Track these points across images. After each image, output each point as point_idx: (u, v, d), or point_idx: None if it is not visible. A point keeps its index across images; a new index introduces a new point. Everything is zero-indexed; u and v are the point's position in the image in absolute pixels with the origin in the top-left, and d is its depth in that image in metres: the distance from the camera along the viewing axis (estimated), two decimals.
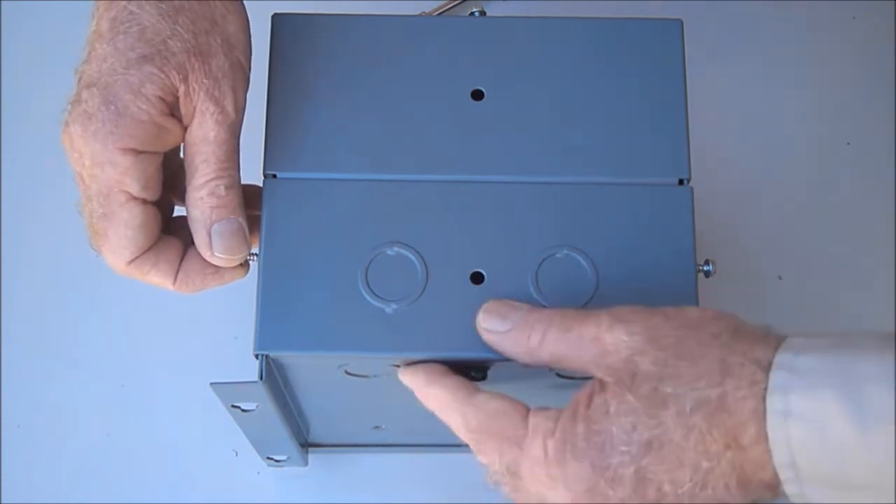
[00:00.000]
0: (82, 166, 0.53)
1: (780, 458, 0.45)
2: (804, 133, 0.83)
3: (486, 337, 0.53)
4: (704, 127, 0.64)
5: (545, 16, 0.60)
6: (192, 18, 0.53)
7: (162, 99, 0.52)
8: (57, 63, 0.83)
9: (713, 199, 0.72)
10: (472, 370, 0.55)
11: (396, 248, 0.55)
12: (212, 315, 0.75)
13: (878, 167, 0.82)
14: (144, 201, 0.54)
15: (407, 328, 0.54)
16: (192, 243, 0.56)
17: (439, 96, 0.58)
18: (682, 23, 0.60)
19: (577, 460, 0.48)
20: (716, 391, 0.46)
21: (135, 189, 0.53)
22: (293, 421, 0.65)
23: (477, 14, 0.62)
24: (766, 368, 0.46)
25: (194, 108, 0.53)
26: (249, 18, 0.57)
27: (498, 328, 0.52)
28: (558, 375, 0.55)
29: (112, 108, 0.52)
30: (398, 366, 0.55)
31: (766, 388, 0.45)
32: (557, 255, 0.55)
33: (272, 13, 0.60)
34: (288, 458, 0.70)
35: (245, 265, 0.57)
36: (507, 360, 0.53)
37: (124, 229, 0.54)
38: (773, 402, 0.45)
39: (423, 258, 0.55)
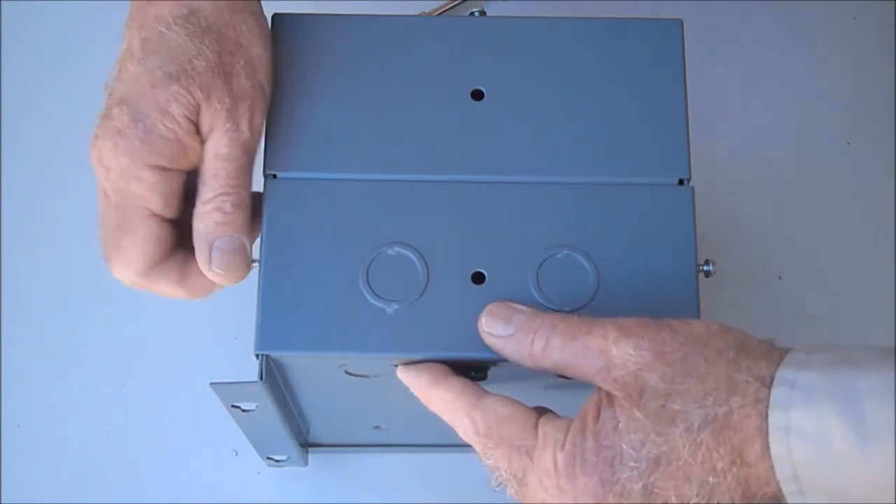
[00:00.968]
0: (108, 180, 0.54)
1: (782, 472, 0.46)
2: (804, 133, 0.83)
3: (489, 341, 0.53)
4: (704, 127, 0.64)
5: (545, 16, 0.60)
6: (218, 39, 0.54)
7: (188, 118, 0.53)
8: (57, 63, 0.84)
9: (713, 199, 0.72)
10: (472, 370, 0.55)
11: (397, 248, 0.55)
12: (212, 315, 0.75)
13: (878, 167, 0.82)
14: (163, 218, 0.55)
15: (408, 328, 0.54)
16: None
17: (439, 96, 0.58)
18: (682, 23, 0.60)
19: (587, 475, 0.49)
20: (723, 409, 0.47)
21: (157, 206, 0.54)
22: (293, 421, 0.65)
23: (477, 14, 0.62)
24: (769, 385, 0.46)
25: (212, 126, 0.54)
26: None
27: (501, 332, 0.53)
28: (558, 376, 0.55)
29: (140, 125, 0.53)
30: (398, 365, 0.55)
31: (768, 406, 0.46)
32: (558, 255, 0.55)
33: (272, 13, 0.60)
34: (288, 458, 0.70)
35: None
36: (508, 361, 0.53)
37: (141, 243, 0.54)
38: (775, 418, 0.46)
39: (423, 258, 0.55)
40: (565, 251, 0.55)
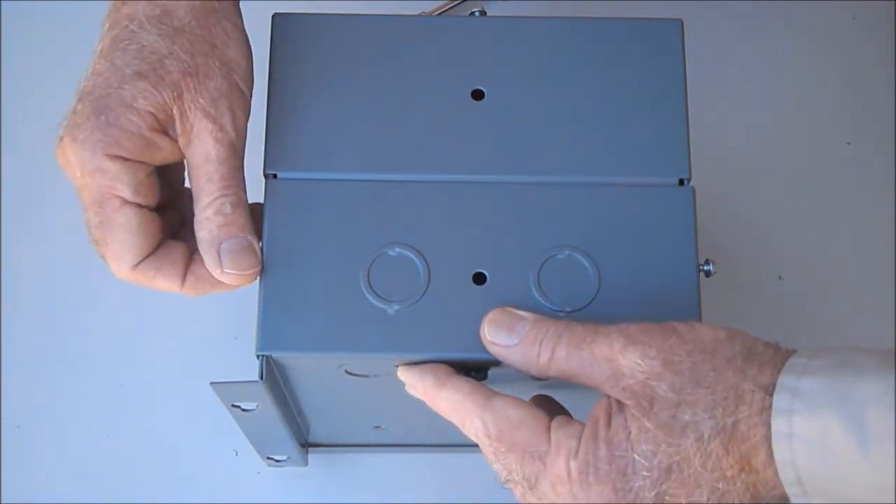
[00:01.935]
0: (74, 178, 0.54)
1: (786, 477, 0.47)
2: (804, 133, 0.83)
3: (492, 350, 0.53)
4: (704, 127, 0.64)
5: (545, 16, 0.60)
6: (192, 40, 0.54)
7: (153, 115, 0.53)
8: (57, 63, 0.84)
9: (713, 198, 0.72)
10: (472, 370, 0.55)
11: (398, 249, 0.55)
12: (212, 315, 0.75)
13: (878, 167, 0.82)
14: (139, 205, 0.54)
15: (409, 329, 0.54)
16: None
17: (439, 96, 0.58)
18: (682, 23, 0.60)
19: (601, 483, 0.49)
20: (731, 419, 0.47)
21: (127, 194, 0.53)
22: (293, 421, 0.65)
23: (477, 14, 0.62)
24: (772, 392, 0.47)
25: (192, 128, 0.54)
26: (250, 18, 0.57)
27: (505, 342, 0.53)
28: None
29: (102, 118, 0.53)
30: (399, 366, 0.55)
31: (771, 413, 0.47)
32: (559, 256, 0.55)
33: (272, 13, 0.60)
34: (288, 458, 0.70)
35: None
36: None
37: (122, 234, 0.54)
38: (778, 425, 0.46)
39: (424, 259, 0.55)
40: (566, 251, 0.55)
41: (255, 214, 0.56)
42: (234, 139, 0.55)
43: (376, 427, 0.70)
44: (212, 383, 0.55)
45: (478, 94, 0.58)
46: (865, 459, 0.44)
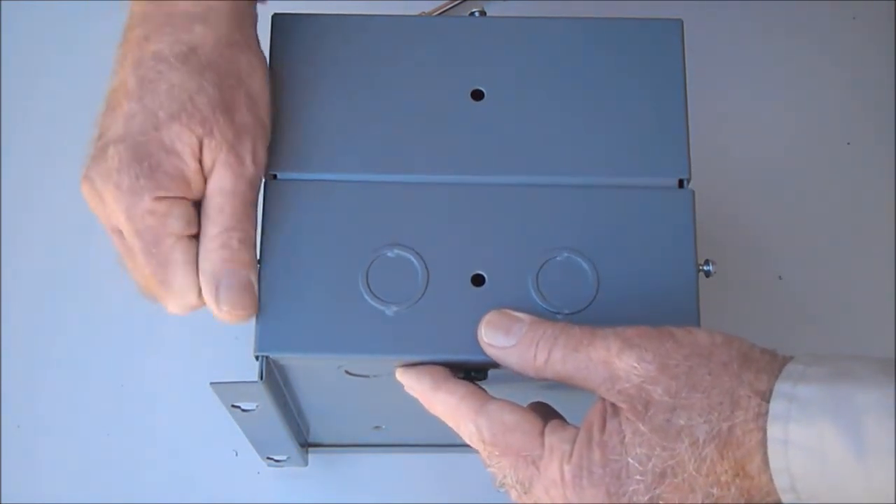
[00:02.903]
0: (118, 222, 0.53)
1: (781, 483, 0.46)
2: (804, 133, 0.83)
3: (489, 351, 0.53)
4: (704, 127, 0.64)
5: (545, 16, 0.60)
6: (219, 74, 0.54)
7: (191, 154, 0.53)
8: (57, 63, 0.84)
9: (713, 199, 0.72)
10: (472, 370, 0.55)
11: (397, 250, 0.55)
12: (212, 315, 0.75)
13: (878, 167, 0.82)
14: (192, 237, 0.54)
15: (408, 330, 0.54)
16: None
17: (439, 96, 0.58)
18: (682, 23, 0.60)
19: (594, 487, 0.49)
20: (727, 424, 0.47)
21: (180, 228, 0.53)
22: (293, 421, 0.65)
23: (477, 14, 0.62)
24: (768, 399, 0.47)
25: (215, 160, 0.54)
26: None
27: (501, 343, 0.53)
28: None
29: (146, 164, 0.52)
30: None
31: (766, 419, 0.46)
32: (558, 258, 0.55)
33: (272, 13, 0.60)
34: (288, 458, 0.70)
35: None
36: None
37: (184, 268, 0.54)
38: (774, 431, 0.46)
39: (423, 260, 0.55)
40: (565, 253, 0.55)
41: None
42: (252, 175, 0.55)
43: (376, 427, 0.70)
44: (212, 383, 0.55)
45: (477, 95, 0.58)
46: (861, 468, 0.44)
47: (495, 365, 0.54)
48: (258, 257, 0.55)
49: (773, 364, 0.48)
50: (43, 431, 0.75)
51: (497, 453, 0.51)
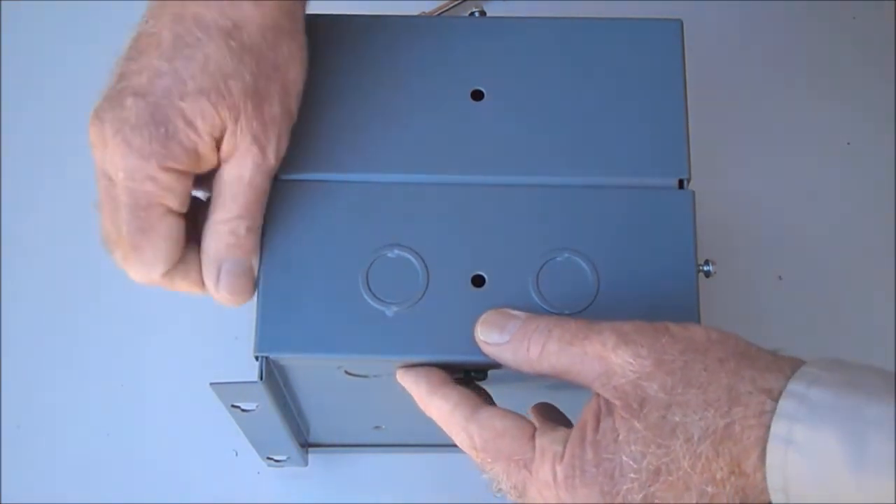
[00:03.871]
0: (113, 172, 0.52)
1: (773, 481, 0.46)
2: (804, 133, 0.83)
3: (485, 349, 0.53)
4: (704, 127, 0.64)
5: (545, 16, 0.60)
6: (258, 60, 0.53)
7: (210, 134, 0.52)
8: (57, 63, 0.84)
9: (713, 199, 0.72)
10: (472, 371, 0.55)
11: (397, 251, 0.55)
12: (212, 315, 0.74)
13: (878, 167, 0.82)
14: (180, 214, 0.54)
15: (408, 331, 0.54)
16: None
17: (439, 96, 0.58)
18: (682, 23, 0.60)
19: (587, 486, 0.49)
20: (724, 420, 0.47)
21: (175, 204, 0.53)
22: (293, 421, 0.65)
23: (477, 14, 0.62)
24: (777, 398, 0.46)
25: (235, 147, 0.53)
26: None
27: (496, 340, 0.52)
28: None
29: (162, 129, 0.51)
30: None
31: (773, 416, 0.46)
32: (558, 258, 0.55)
33: None
34: (288, 458, 0.70)
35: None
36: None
37: (162, 242, 0.53)
38: (778, 428, 0.46)
39: (423, 260, 0.55)
40: (565, 254, 0.55)
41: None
42: (272, 166, 0.54)
43: (376, 427, 0.70)
44: (212, 383, 0.55)
45: (477, 95, 0.58)
46: (857, 479, 0.44)
47: (495, 365, 0.54)
48: (254, 286, 0.55)
49: (778, 363, 0.48)
50: (43, 431, 0.75)
51: (489, 459, 0.51)
